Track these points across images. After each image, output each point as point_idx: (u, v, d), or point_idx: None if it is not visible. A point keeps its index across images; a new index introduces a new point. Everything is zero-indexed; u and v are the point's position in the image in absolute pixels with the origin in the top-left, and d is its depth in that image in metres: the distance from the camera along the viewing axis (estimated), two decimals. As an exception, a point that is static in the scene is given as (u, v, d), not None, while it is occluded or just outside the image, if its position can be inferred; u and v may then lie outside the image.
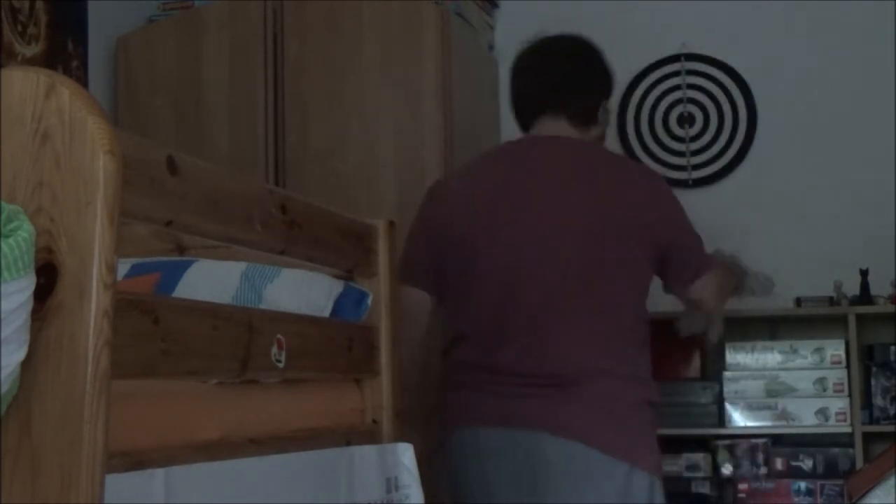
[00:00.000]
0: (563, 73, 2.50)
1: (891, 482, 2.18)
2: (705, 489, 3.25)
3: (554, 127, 2.45)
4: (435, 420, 2.46)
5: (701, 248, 2.46)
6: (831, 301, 3.26)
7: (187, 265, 2.18)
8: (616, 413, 2.27)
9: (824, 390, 3.20)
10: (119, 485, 1.26)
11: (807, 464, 3.20)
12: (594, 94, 2.49)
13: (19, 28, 2.97)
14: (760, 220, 3.48)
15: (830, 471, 3.18)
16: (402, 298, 2.24)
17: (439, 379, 2.48)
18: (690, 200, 3.47)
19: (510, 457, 2.28)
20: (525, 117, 2.51)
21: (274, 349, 1.68)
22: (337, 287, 2.05)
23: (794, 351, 3.25)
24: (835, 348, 3.22)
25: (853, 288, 3.24)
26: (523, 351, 2.31)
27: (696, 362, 3.36)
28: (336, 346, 1.95)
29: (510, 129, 3.62)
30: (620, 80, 3.59)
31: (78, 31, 3.21)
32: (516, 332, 2.32)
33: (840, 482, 3.09)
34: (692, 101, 3.59)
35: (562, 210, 2.35)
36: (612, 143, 3.53)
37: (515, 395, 2.29)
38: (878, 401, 3.19)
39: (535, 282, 2.33)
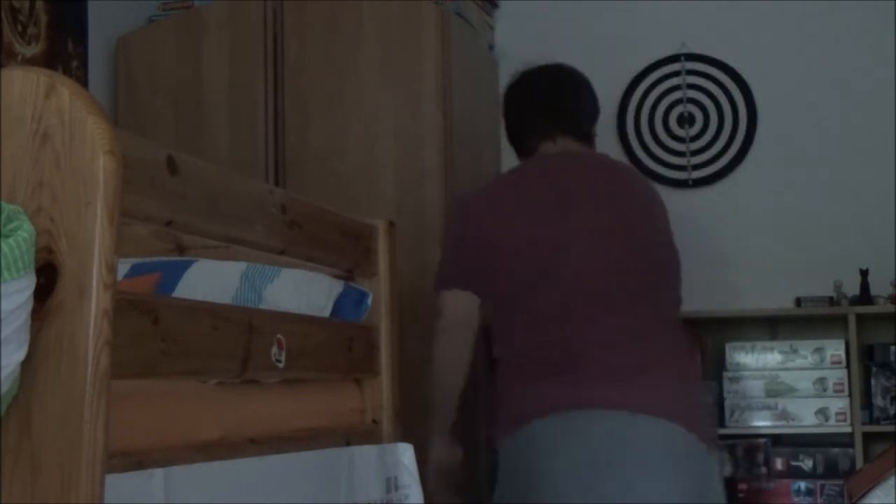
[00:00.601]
0: (568, 99, 2.68)
1: (891, 482, 2.18)
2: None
3: (566, 145, 2.60)
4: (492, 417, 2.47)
5: None
6: (831, 301, 3.26)
7: (187, 265, 2.18)
8: (692, 395, 2.42)
9: (824, 390, 3.20)
10: (119, 485, 1.26)
11: (807, 464, 3.20)
12: (592, 116, 2.69)
13: (19, 28, 2.97)
14: (760, 219, 3.48)
15: (830, 471, 3.18)
16: (449, 303, 2.44)
17: (495, 378, 2.48)
18: (690, 200, 3.50)
19: (603, 439, 2.29)
20: (530, 141, 2.64)
21: (274, 349, 1.68)
22: (337, 287, 2.05)
23: (794, 351, 3.25)
24: (835, 348, 3.22)
25: (853, 288, 3.24)
26: (599, 342, 2.37)
27: (696, 362, 3.36)
28: (336, 346, 1.95)
29: (510, 129, 3.64)
30: (620, 80, 3.61)
31: (78, 31, 3.21)
32: (597, 327, 2.38)
33: (840, 482, 3.09)
34: (692, 101, 3.59)
35: (613, 212, 2.49)
36: (612, 143, 3.53)
37: (598, 382, 2.33)
38: (878, 401, 3.19)
39: (601, 280, 2.41)
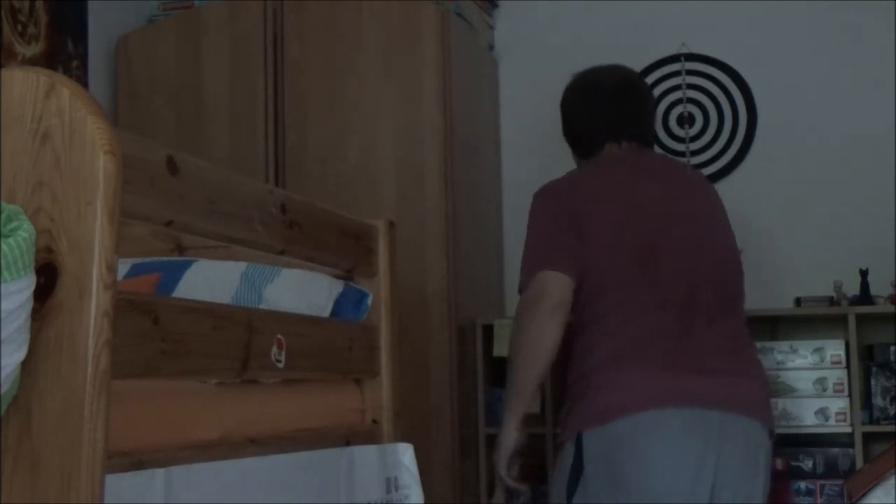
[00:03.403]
0: (636, 104, 2.68)
1: (891, 482, 2.18)
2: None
3: (630, 147, 2.61)
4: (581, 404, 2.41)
5: None
6: (831, 301, 3.26)
7: (187, 265, 2.18)
8: (770, 394, 2.53)
9: (824, 390, 3.20)
10: (119, 485, 1.26)
11: (807, 464, 3.20)
12: (653, 123, 2.73)
13: (19, 28, 2.97)
14: (760, 220, 3.48)
15: (830, 471, 3.17)
16: (552, 284, 2.37)
17: (586, 365, 2.43)
18: (690, 200, 3.49)
19: (706, 435, 2.30)
20: (594, 142, 2.62)
21: (274, 349, 1.68)
22: (337, 287, 2.05)
23: (794, 351, 3.25)
24: (835, 348, 3.22)
25: (853, 288, 3.24)
26: (705, 343, 2.38)
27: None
28: (336, 347, 1.95)
29: (510, 129, 3.64)
30: (620, 80, 3.61)
31: (78, 31, 3.22)
32: (695, 325, 2.38)
33: (840, 482, 3.09)
34: (692, 101, 3.59)
35: (704, 216, 2.55)
36: (612, 143, 3.52)
37: (702, 379, 2.34)
38: (878, 401, 3.19)
39: (698, 280, 2.43)
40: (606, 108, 2.63)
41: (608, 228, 2.43)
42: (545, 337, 2.39)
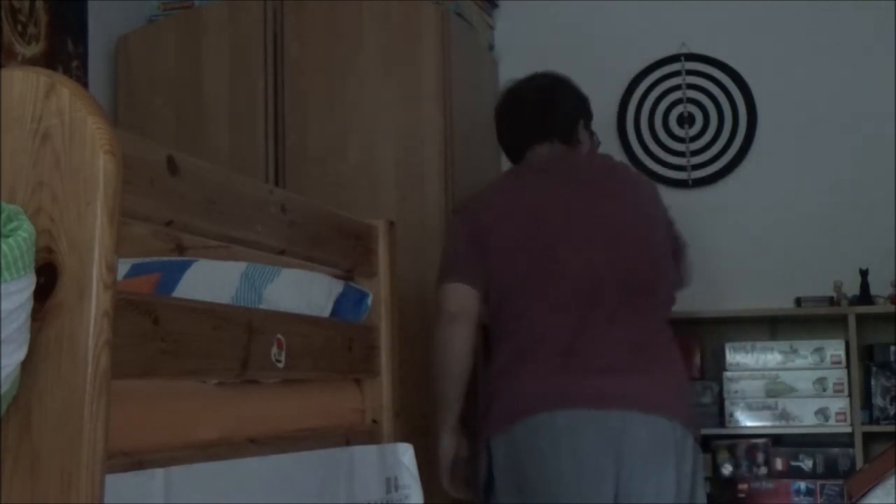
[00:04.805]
0: (547, 103, 2.74)
1: (891, 482, 2.18)
2: (705, 489, 3.24)
3: (551, 149, 2.68)
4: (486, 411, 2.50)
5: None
6: (831, 301, 3.26)
7: (187, 265, 2.18)
8: (682, 387, 2.53)
9: (824, 390, 3.20)
10: (119, 485, 1.26)
11: (807, 464, 3.20)
12: (574, 118, 2.73)
13: (19, 28, 2.97)
14: (760, 219, 3.48)
15: (830, 471, 3.17)
16: (451, 295, 2.50)
17: (491, 372, 2.53)
18: (690, 200, 3.49)
19: (605, 435, 2.34)
20: (518, 149, 2.73)
21: (274, 349, 1.68)
22: (337, 287, 2.05)
23: (794, 351, 3.25)
24: (835, 348, 3.22)
25: (853, 288, 3.24)
26: (605, 340, 2.41)
27: (696, 362, 3.36)
28: (336, 346, 1.95)
29: (510, 129, 3.63)
30: (620, 80, 3.61)
31: (78, 31, 3.21)
32: (595, 323, 2.42)
33: (840, 482, 3.09)
34: (692, 101, 3.59)
35: (615, 211, 2.56)
36: (612, 143, 3.53)
37: (604, 380, 2.38)
38: (878, 401, 3.19)
39: (600, 279, 2.46)
40: (518, 112, 2.74)
41: (509, 237, 2.52)
42: (450, 344, 2.52)
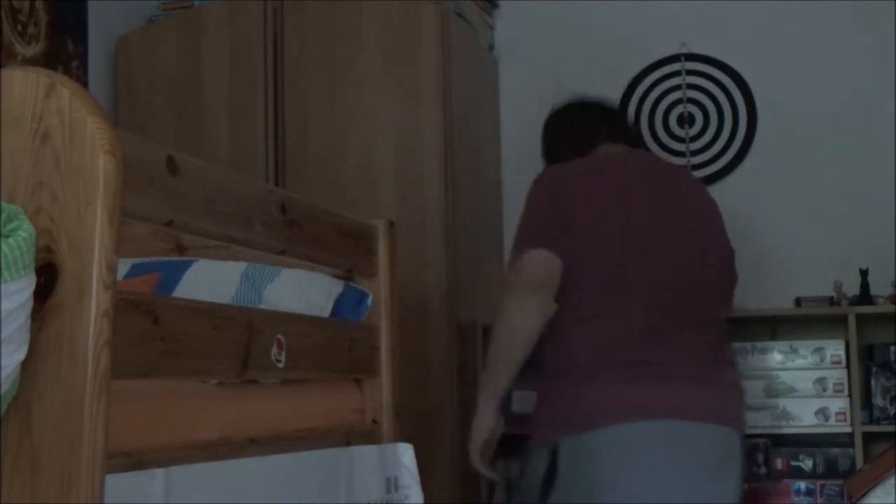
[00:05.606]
0: (614, 109, 2.81)
1: (891, 482, 2.18)
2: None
3: (625, 147, 2.63)
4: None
5: None
6: (831, 301, 3.26)
7: (187, 265, 2.18)
8: (744, 397, 2.51)
9: (824, 390, 3.20)
10: (119, 485, 1.26)
11: (807, 464, 3.20)
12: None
13: (19, 28, 2.97)
14: (760, 220, 3.48)
15: (830, 471, 3.17)
16: (536, 263, 2.31)
17: (560, 358, 2.38)
18: (690, 200, 3.49)
19: (681, 446, 2.28)
20: (589, 146, 2.61)
21: (274, 349, 1.68)
22: (337, 287, 2.05)
23: (794, 351, 3.25)
24: (835, 348, 3.22)
25: (853, 288, 3.24)
26: (685, 349, 2.35)
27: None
28: (336, 346, 1.95)
29: (510, 129, 3.64)
30: (620, 80, 3.61)
31: (78, 31, 3.22)
32: (678, 328, 2.35)
33: (840, 482, 3.09)
34: (692, 101, 3.59)
35: (699, 216, 2.53)
36: (612, 143, 3.52)
37: (679, 387, 2.31)
38: (878, 401, 3.19)
39: (695, 282, 2.42)
40: (599, 113, 2.69)
41: (601, 215, 2.38)
42: (527, 315, 2.33)
